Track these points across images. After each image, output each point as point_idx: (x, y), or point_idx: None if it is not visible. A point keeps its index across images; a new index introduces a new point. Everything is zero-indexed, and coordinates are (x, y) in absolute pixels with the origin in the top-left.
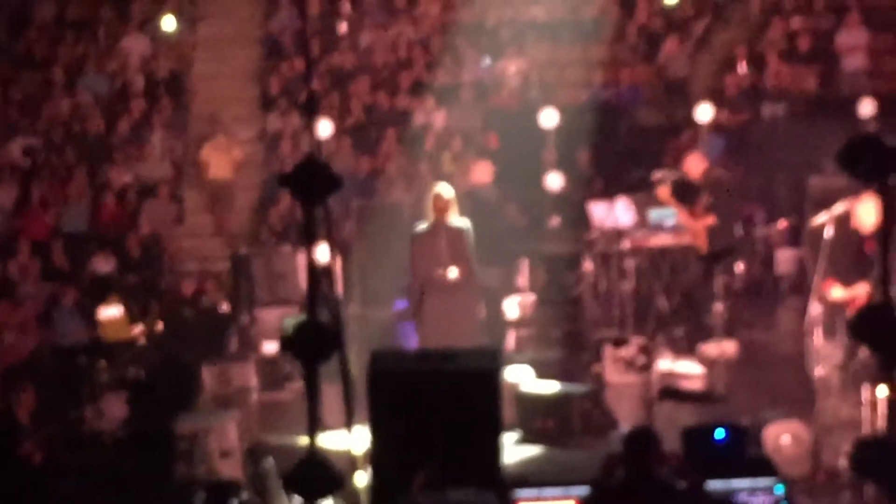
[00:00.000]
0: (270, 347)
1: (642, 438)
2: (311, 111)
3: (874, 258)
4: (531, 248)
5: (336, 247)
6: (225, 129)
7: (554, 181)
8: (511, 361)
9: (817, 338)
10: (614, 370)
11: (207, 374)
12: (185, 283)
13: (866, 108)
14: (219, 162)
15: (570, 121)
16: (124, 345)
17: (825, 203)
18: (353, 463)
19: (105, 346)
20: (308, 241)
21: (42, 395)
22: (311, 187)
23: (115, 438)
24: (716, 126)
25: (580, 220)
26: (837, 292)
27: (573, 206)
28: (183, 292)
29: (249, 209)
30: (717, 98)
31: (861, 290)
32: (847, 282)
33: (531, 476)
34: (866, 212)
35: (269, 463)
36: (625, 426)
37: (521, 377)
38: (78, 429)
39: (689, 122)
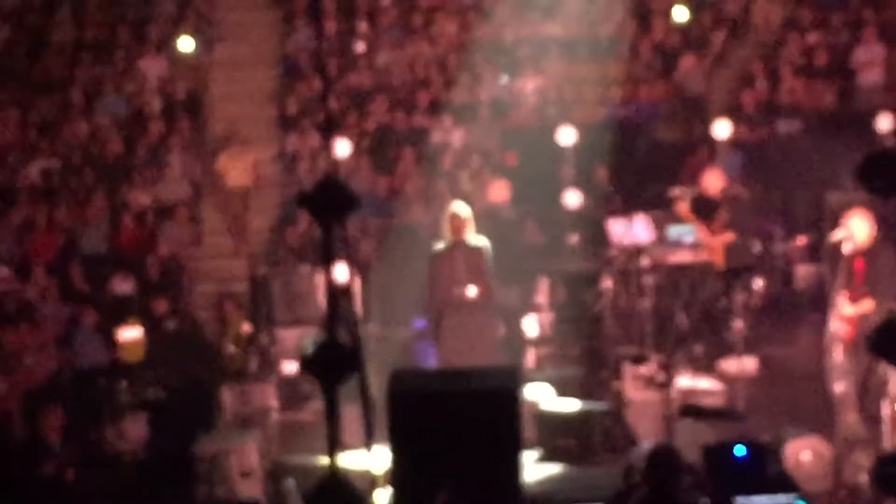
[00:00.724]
0: (290, 368)
1: (664, 456)
2: (328, 131)
3: (868, 274)
4: (550, 266)
5: (355, 266)
6: (240, 140)
7: (572, 199)
8: (531, 380)
9: (837, 354)
10: (634, 388)
11: (227, 395)
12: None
13: (884, 123)
14: (236, 170)
15: (588, 138)
16: (144, 366)
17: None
18: (373, 482)
19: (125, 367)
20: (327, 261)
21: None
22: (329, 207)
23: (136, 460)
24: (733, 142)
25: (599, 238)
26: (847, 309)
27: (592, 224)
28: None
29: (268, 229)
30: (735, 114)
31: (867, 307)
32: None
33: (552, 495)
34: (858, 229)
35: (290, 483)
36: (645, 443)
37: (541, 395)
38: (99, 450)
39: (707, 139)
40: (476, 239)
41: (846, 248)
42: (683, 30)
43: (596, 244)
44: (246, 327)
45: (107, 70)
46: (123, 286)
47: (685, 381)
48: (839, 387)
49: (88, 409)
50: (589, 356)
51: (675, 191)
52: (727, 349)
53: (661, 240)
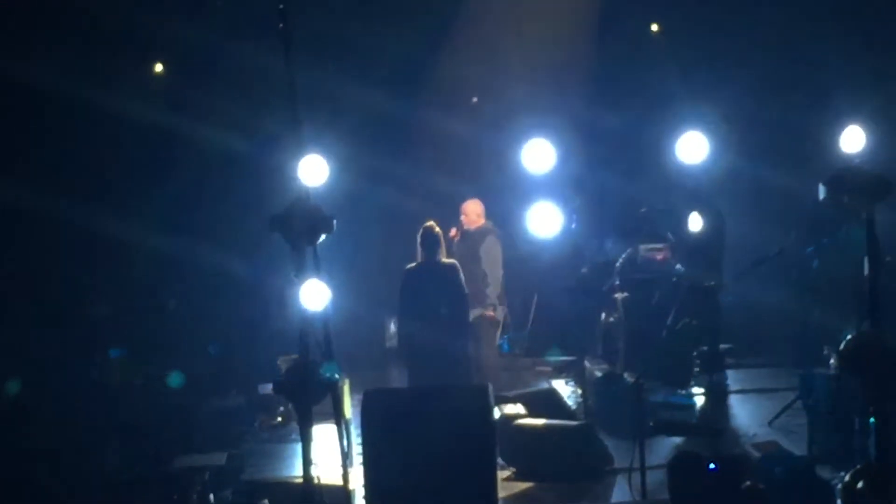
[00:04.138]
0: (265, 388)
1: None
2: (300, 154)
3: None
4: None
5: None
6: None
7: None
8: (503, 397)
9: (808, 368)
10: (607, 404)
11: (203, 415)
12: None
13: (852, 137)
14: None
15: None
16: (122, 387)
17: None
18: (348, 500)
19: (104, 389)
20: (300, 281)
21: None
22: (302, 229)
23: (112, 481)
24: None
25: (572, 256)
26: None
27: (564, 242)
28: None
29: None
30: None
31: None
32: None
33: None
34: None
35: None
36: (619, 462)
37: (514, 413)
38: (79, 470)
39: None
40: (447, 258)
41: (815, 264)
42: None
43: (569, 262)
44: None
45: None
46: (104, 308)
47: (658, 396)
48: (810, 401)
49: (68, 430)
50: (562, 373)
51: (644, 209)
52: (700, 364)
53: (633, 257)
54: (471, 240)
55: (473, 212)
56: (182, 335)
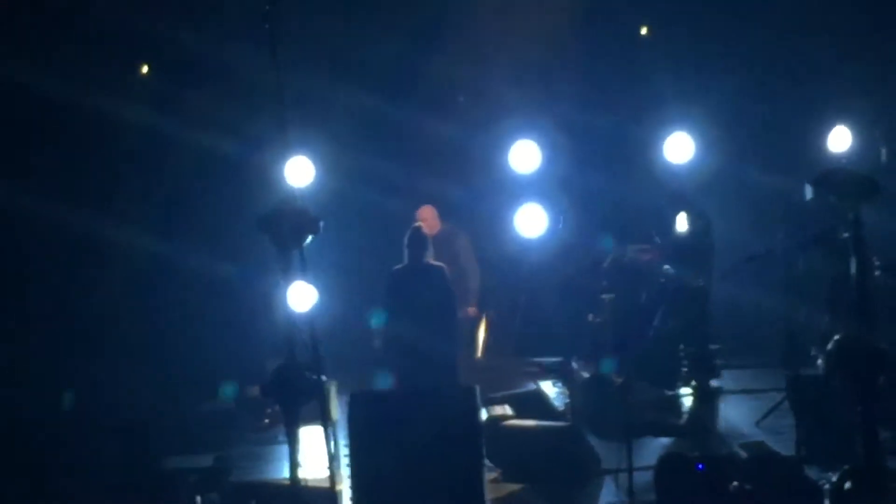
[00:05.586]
0: (252, 390)
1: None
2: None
3: None
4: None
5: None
6: None
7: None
8: (490, 399)
9: (795, 368)
10: (594, 405)
11: (191, 417)
12: None
13: (839, 138)
14: None
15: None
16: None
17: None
18: (334, 502)
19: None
20: (286, 283)
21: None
22: (288, 230)
23: (99, 483)
24: None
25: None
26: None
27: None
28: None
29: None
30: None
31: None
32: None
33: None
34: None
35: None
36: (606, 463)
37: (501, 414)
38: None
39: None
40: (433, 259)
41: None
42: None
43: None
44: None
45: None
46: (90, 308)
47: (646, 397)
48: (800, 400)
49: (57, 431)
50: (549, 374)
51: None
52: (688, 365)
53: (621, 257)
54: (441, 242)
55: (432, 216)
56: (171, 336)
